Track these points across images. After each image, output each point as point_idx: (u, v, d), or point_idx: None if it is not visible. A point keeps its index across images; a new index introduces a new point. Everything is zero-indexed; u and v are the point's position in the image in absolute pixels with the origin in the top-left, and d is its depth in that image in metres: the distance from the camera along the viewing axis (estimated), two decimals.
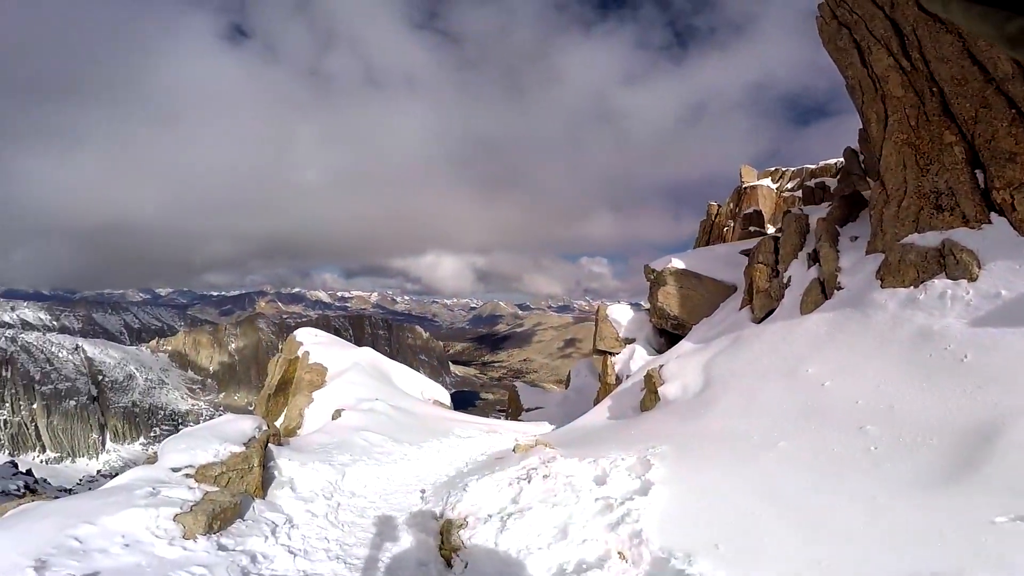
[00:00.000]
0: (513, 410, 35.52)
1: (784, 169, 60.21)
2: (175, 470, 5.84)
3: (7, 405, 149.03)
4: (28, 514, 4.23)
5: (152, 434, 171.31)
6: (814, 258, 9.36)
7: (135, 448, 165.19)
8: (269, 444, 8.12)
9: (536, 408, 26.44)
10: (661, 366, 10.27)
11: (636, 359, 12.63)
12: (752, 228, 36.41)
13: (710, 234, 60.48)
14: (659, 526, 4.74)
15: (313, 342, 18.36)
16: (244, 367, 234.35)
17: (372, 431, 11.05)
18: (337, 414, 11.95)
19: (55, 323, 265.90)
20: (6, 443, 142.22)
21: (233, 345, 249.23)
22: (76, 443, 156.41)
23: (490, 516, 5.72)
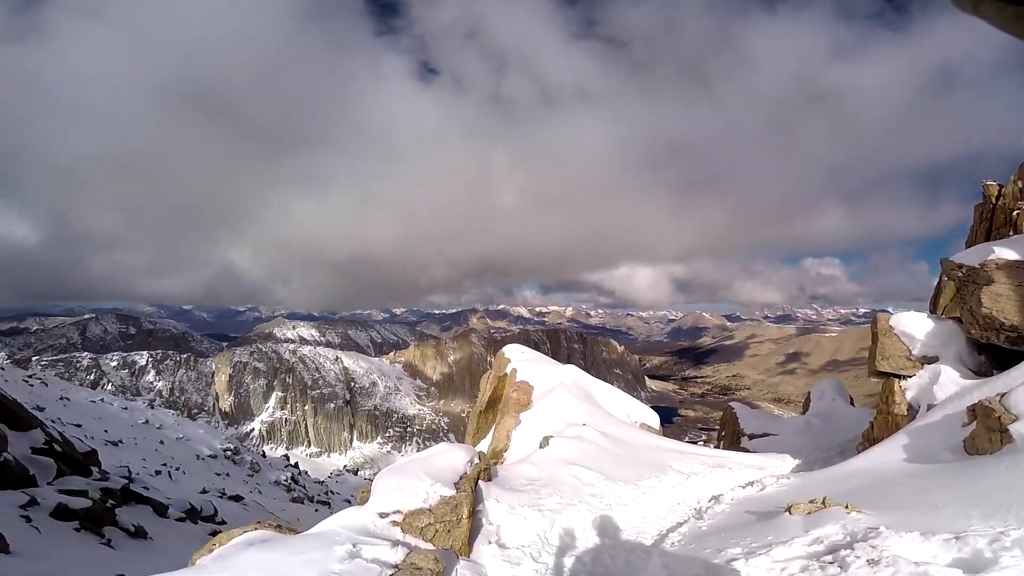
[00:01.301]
0: (729, 434, 30.88)
1: None
2: (383, 515, 5.36)
3: (287, 406, 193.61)
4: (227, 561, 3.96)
5: (387, 435, 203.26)
6: None
7: (373, 447, 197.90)
8: (479, 481, 7.47)
9: (764, 435, 22.14)
10: (1003, 395, 6.75)
11: (944, 384, 8.83)
12: None
13: (991, 221, 45.59)
14: None
15: (520, 359, 18.22)
16: (460, 377, 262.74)
17: (582, 465, 9.76)
18: (545, 442, 11.03)
19: (322, 339, 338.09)
20: (284, 438, 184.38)
21: (451, 357, 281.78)
22: (332, 440, 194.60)
23: None
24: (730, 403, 35.44)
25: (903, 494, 6.33)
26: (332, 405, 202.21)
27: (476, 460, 7.56)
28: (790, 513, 6.01)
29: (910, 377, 9.62)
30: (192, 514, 15.13)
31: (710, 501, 8.82)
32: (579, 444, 10.68)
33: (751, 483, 9.87)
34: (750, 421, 28.88)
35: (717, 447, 36.09)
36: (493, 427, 16.59)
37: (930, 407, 8.74)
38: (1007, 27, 0.75)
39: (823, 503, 5.95)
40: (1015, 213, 45.30)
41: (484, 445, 16.64)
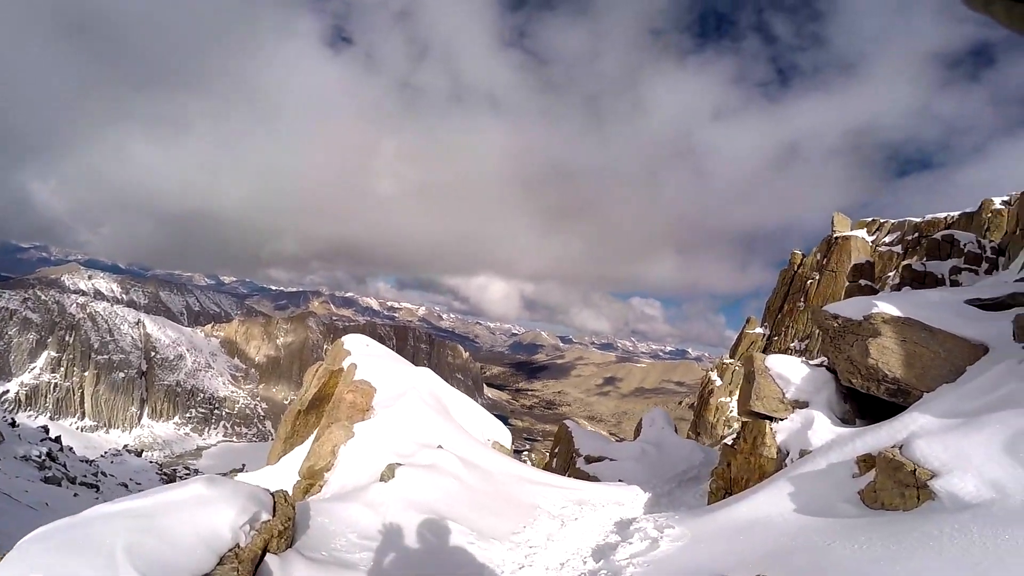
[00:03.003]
0: (563, 452, 30.54)
1: (883, 221, 53.66)
2: None
3: (61, 369, 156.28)
4: None
5: (188, 415, 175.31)
6: None
7: (168, 427, 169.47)
8: (267, 555, 4.12)
9: (602, 459, 21.59)
10: (900, 446, 5.87)
11: (818, 430, 8.15)
12: (863, 282, 30.80)
13: (790, 286, 54.40)
14: None
15: (364, 353, 14.56)
16: (288, 363, 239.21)
17: (444, 515, 6.95)
18: (389, 472, 7.84)
19: (124, 296, 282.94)
20: (50, 406, 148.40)
21: (281, 340, 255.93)
22: (115, 414, 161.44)
23: None
24: (564, 421, 35.49)
25: (824, 561, 4.88)
26: (122, 375, 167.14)
27: (265, 517, 4.21)
28: None
29: (782, 420, 8.85)
30: None
31: (600, 563, 6.83)
32: (436, 478, 7.75)
33: (632, 530, 8.07)
34: (585, 441, 28.71)
35: (550, 464, 35.84)
36: (315, 434, 12.82)
37: (803, 453, 7.87)
38: (1016, 26, 0.73)
39: None
40: (808, 282, 53.23)
41: (298, 458, 12.75)
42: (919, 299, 9.98)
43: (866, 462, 6.23)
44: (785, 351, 50.07)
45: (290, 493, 6.13)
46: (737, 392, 11.04)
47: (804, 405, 8.78)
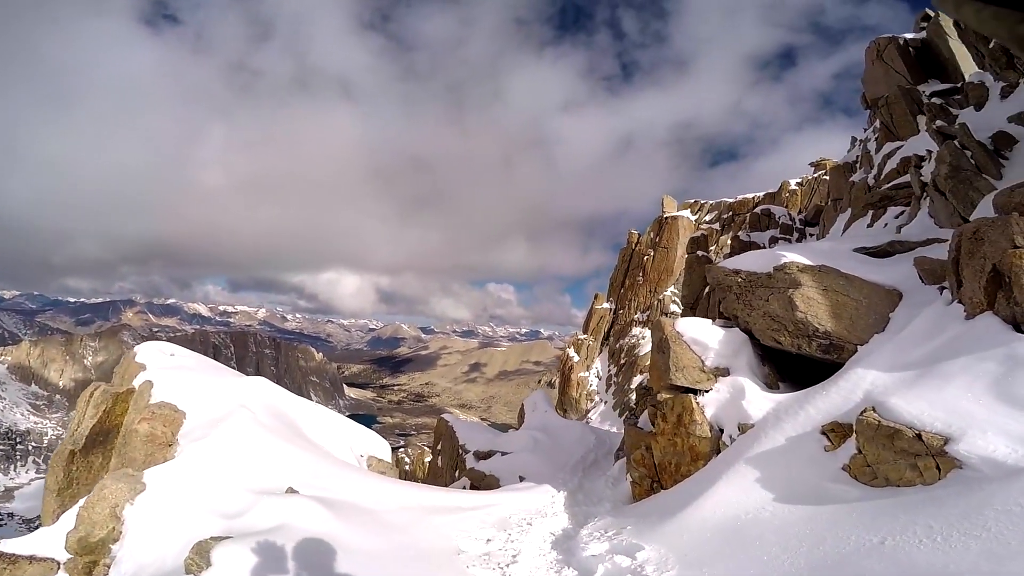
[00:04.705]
0: (448, 449, 28.48)
1: (703, 202, 61.30)
2: None
3: None
4: None
5: None
6: None
7: None
8: None
9: (493, 453, 20.05)
10: (872, 408, 5.04)
11: (752, 400, 7.18)
12: (700, 252, 34.01)
13: (630, 262, 59.24)
14: None
15: (166, 365, 10.42)
16: None
17: None
18: (200, 559, 4.72)
19: None
20: None
21: (90, 360, 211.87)
22: None
23: None
24: (442, 415, 33.32)
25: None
26: None
27: None
28: None
29: (707, 392, 7.81)
30: None
31: None
32: (289, 552, 4.85)
33: (592, 561, 6.25)
34: (470, 435, 26.87)
35: (435, 464, 33.25)
36: (89, 494, 8.84)
37: (743, 428, 6.87)
38: (985, 27, 0.73)
39: None
40: (645, 258, 58.42)
41: (65, 526, 8.70)
42: (815, 248, 9.70)
43: (836, 432, 5.21)
44: (630, 323, 54.06)
45: None
46: (649, 367, 9.76)
47: (725, 372, 7.80)
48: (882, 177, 17.47)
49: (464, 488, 13.95)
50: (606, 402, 46.32)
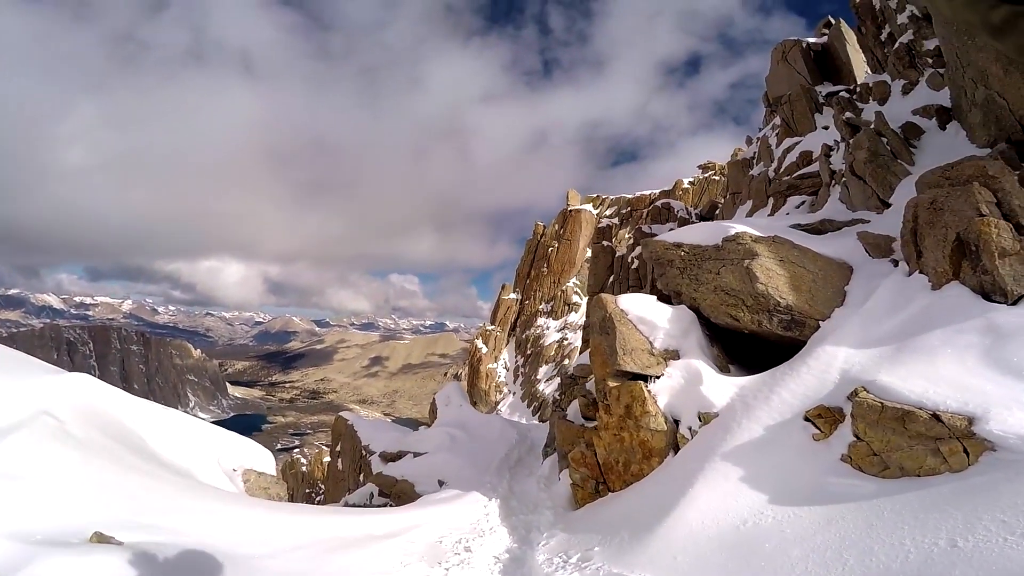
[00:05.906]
0: (349, 451, 26.17)
1: (604, 197, 63.93)
2: None
3: None
4: None
5: None
6: None
7: None
8: None
9: (403, 454, 18.42)
10: (864, 388, 4.61)
11: (711, 386, 6.56)
12: (604, 243, 35.10)
13: (535, 254, 60.19)
14: None
15: None
16: None
17: None
18: None
19: None
20: None
21: None
22: None
23: None
24: (340, 413, 30.63)
25: None
26: None
27: None
28: None
29: (658, 378, 7.09)
30: None
31: None
32: None
33: None
34: (374, 434, 24.72)
35: (334, 467, 30.28)
36: None
37: (704, 418, 6.20)
38: (957, 14, 0.72)
39: None
40: (550, 249, 59.79)
41: None
42: (753, 223, 9.34)
43: (824, 417, 4.62)
44: (535, 314, 54.61)
45: None
46: (586, 350, 8.72)
47: (676, 355, 7.09)
48: (782, 170, 18.44)
49: (371, 496, 12.30)
50: (515, 393, 46.13)
